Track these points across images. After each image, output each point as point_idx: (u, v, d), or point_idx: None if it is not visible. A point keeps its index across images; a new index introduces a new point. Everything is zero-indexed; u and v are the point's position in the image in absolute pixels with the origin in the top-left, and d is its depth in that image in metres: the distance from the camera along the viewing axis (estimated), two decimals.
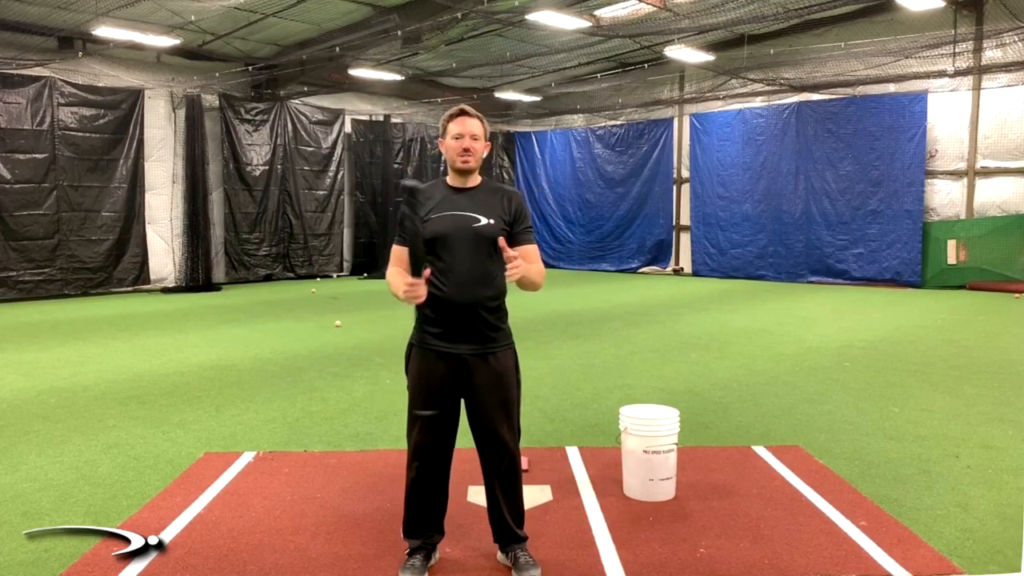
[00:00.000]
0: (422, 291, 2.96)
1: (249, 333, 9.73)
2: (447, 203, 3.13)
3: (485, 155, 3.22)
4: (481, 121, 3.17)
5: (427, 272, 2.98)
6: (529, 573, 3.14)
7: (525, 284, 3.11)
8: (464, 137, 3.11)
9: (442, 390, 3.13)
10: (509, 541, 3.26)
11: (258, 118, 16.47)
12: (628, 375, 7.11)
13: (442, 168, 19.79)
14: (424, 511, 3.24)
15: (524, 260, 3.16)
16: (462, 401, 3.20)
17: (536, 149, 21.24)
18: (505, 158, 21.62)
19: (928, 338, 9.20)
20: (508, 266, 2.94)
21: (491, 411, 3.14)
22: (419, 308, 3.19)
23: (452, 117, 3.16)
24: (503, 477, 3.21)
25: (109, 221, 14.39)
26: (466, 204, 3.13)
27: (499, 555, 3.32)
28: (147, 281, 15.00)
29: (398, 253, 3.21)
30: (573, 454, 4.75)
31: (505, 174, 21.55)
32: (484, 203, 3.14)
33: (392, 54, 14.47)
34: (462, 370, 3.11)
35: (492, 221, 3.11)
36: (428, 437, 3.17)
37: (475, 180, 3.20)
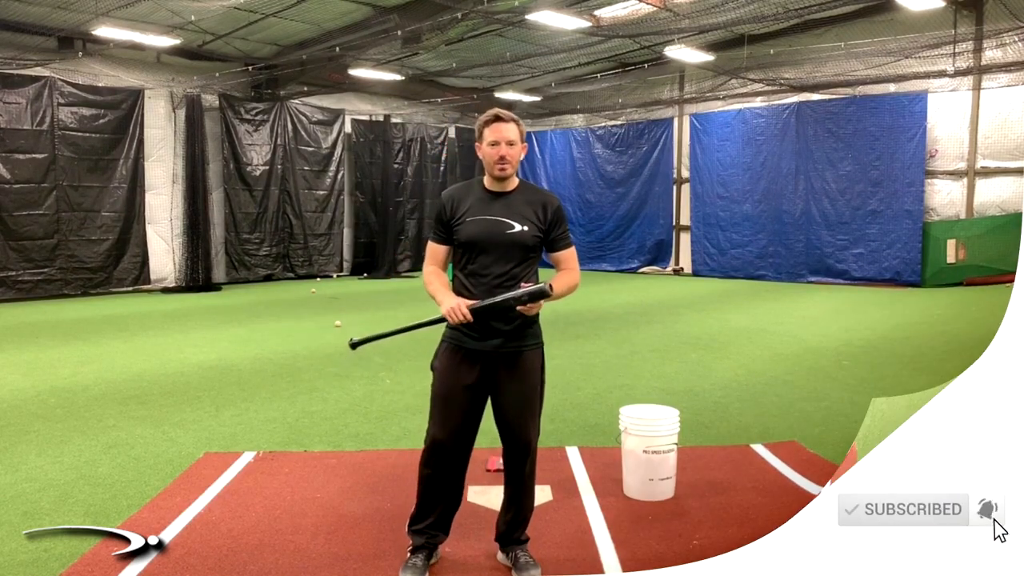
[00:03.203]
0: (464, 318, 2.99)
1: (249, 333, 9.73)
2: (482, 207, 3.14)
3: (523, 157, 3.21)
4: (517, 125, 3.15)
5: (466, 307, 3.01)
6: (529, 573, 3.15)
7: (560, 298, 3.14)
8: (500, 144, 3.09)
9: (466, 387, 3.14)
10: (511, 542, 3.27)
11: (258, 118, 16.46)
12: (628, 375, 7.12)
13: (443, 168, 19.82)
14: (436, 507, 3.24)
15: (561, 265, 3.22)
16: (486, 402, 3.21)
17: (536, 149, 21.22)
18: None
19: (923, 333, 9.39)
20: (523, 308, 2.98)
21: (516, 411, 3.16)
22: None
23: (487, 123, 3.14)
24: (525, 477, 3.24)
25: (109, 221, 14.38)
26: (501, 210, 3.13)
27: (499, 555, 3.33)
28: (147, 281, 14.98)
29: (434, 251, 3.24)
30: (573, 454, 4.75)
31: None
32: (519, 209, 3.14)
33: (392, 54, 14.46)
34: (489, 368, 3.13)
35: (526, 228, 3.11)
36: (447, 435, 3.17)
37: (512, 184, 3.19)
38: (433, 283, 3.18)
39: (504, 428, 3.21)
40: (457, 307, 2.98)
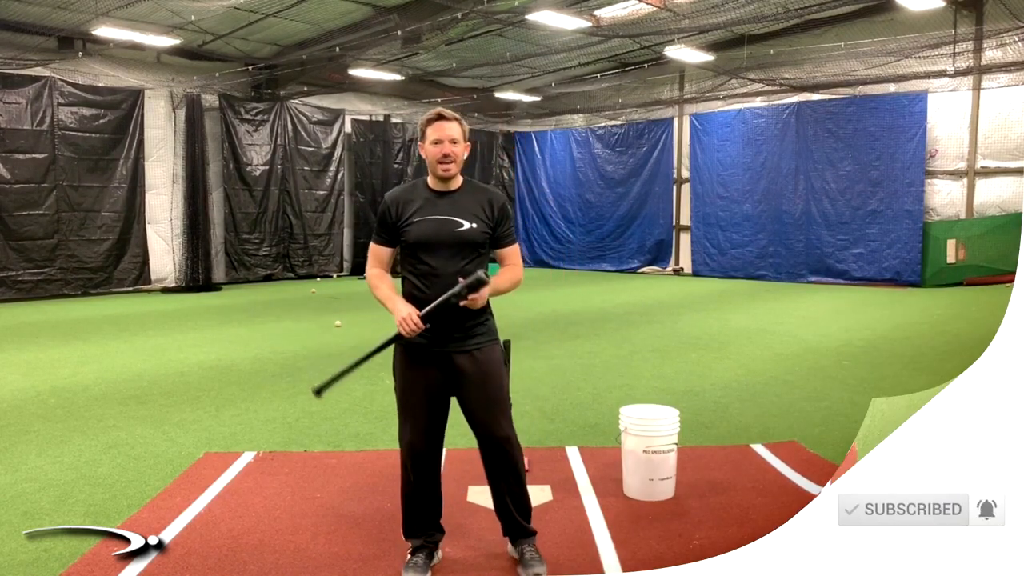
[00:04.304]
0: (417, 328, 2.99)
1: (249, 333, 9.73)
2: (428, 207, 3.14)
3: (466, 156, 3.21)
4: (460, 123, 3.15)
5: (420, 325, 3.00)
6: (533, 570, 3.15)
7: (498, 294, 3.14)
8: (443, 142, 3.09)
9: (429, 388, 3.15)
10: (518, 535, 3.27)
11: (258, 118, 16.46)
12: (628, 375, 7.11)
13: None
14: (423, 511, 3.25)
15: (505, 261, 3.22)
16: (451, 400, 3.21)
17: (536, 149, 21.23)
18: (505, 158, 21.62)
19: (923, 333, 9.40)
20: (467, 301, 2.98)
21: (483, 408, 3.16)
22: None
23: (429, 122, 3.14)
24: (505, 471, 3.22)
25: (109, 221, 14.38)
26: (448, 208, 3.13)
27: (509, 548, 3.33)
28: (147, 281, 14.99)
29: (378, 253, 3.23)
30: (573, 454, 4.75)
31: (505, 174, 21.56)
32: (466, 207, 3.14)
33: (392, 54, 14.46)
34: (448, 368, 3.13)
35: (474, 225, 3.12)
36: (421, 438, 3.18)
37: (456, 182, 3.20)
38: (381, 288, 3.17)
39: (477, 427, 3.20)
40: (408, 317, 2.98)
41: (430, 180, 3.20)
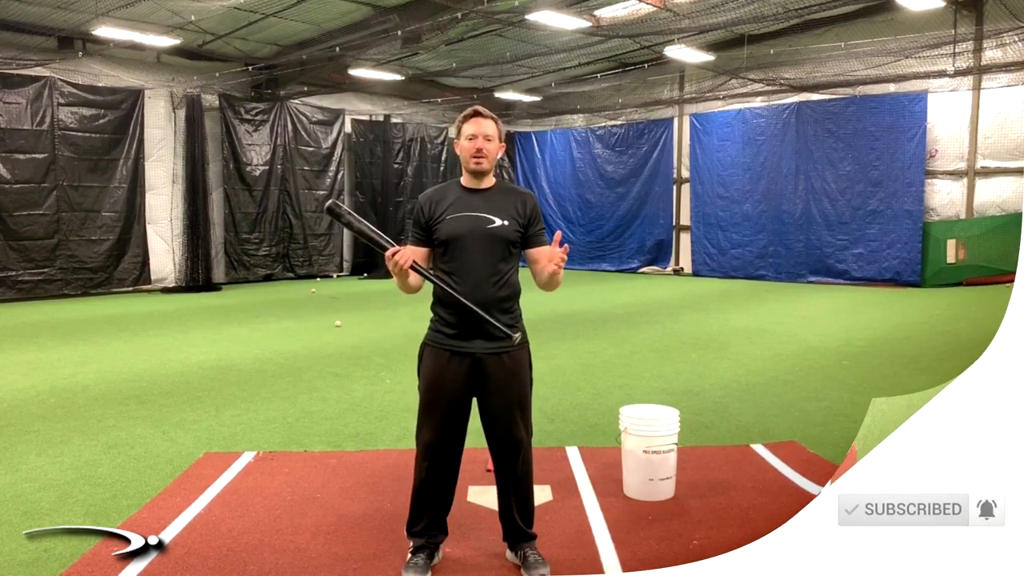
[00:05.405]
0: (401, 255, 2.99)
1: (249, 333, 9.73)
2: (461, 204, 3.15)
3: (499, 156, 3.22)
4: (495, 122, 3.17)
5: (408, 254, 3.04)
6: (538, 571, 3.15)
7: (550, 284, 3.14)
8: (477, 138, 3.11)
9: (455, 389, 3.14)
10: (519, 539, 3.27)
11: (258, 118, 16.46)
12: (628, 375, 7.11)
13: (443, 168, 19.82)
14: (430, 510, 3.25)
15: (541, 261, 3.19)
16: (473, 401, 3.21)
17: (536, 149, 21.23)
18: (505, 158, 21.60)
19: (923, 333, 9.42)
20: (558, 259, 2.98)
21: (505, 410, 3.16)
22: (433, 308, 3.20)
23: (466, 118, 3.16)
24: (516, 477, 3.23)
25: (109, 221, 14.38)
26: (480, 205, 3.14)
27: (508, 553, 3.33)
28: (147, 281, 14.99)
29: (413, 254, 3.23)
30: (573, 454, 4.75)
31: (505, 174, 21.52)
32: (498, 204, 3.15)
33: (392, 54, 14.46)
34: (476, 369, 3.13)
35: (506, 222, 3.12)
36: (439, 437, 3.17)
37: (489, 181, 3.20)
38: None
39: (492, 429, 3.20)
40: (399, 257, 3.00)
41: (463, 179, 3.22)
